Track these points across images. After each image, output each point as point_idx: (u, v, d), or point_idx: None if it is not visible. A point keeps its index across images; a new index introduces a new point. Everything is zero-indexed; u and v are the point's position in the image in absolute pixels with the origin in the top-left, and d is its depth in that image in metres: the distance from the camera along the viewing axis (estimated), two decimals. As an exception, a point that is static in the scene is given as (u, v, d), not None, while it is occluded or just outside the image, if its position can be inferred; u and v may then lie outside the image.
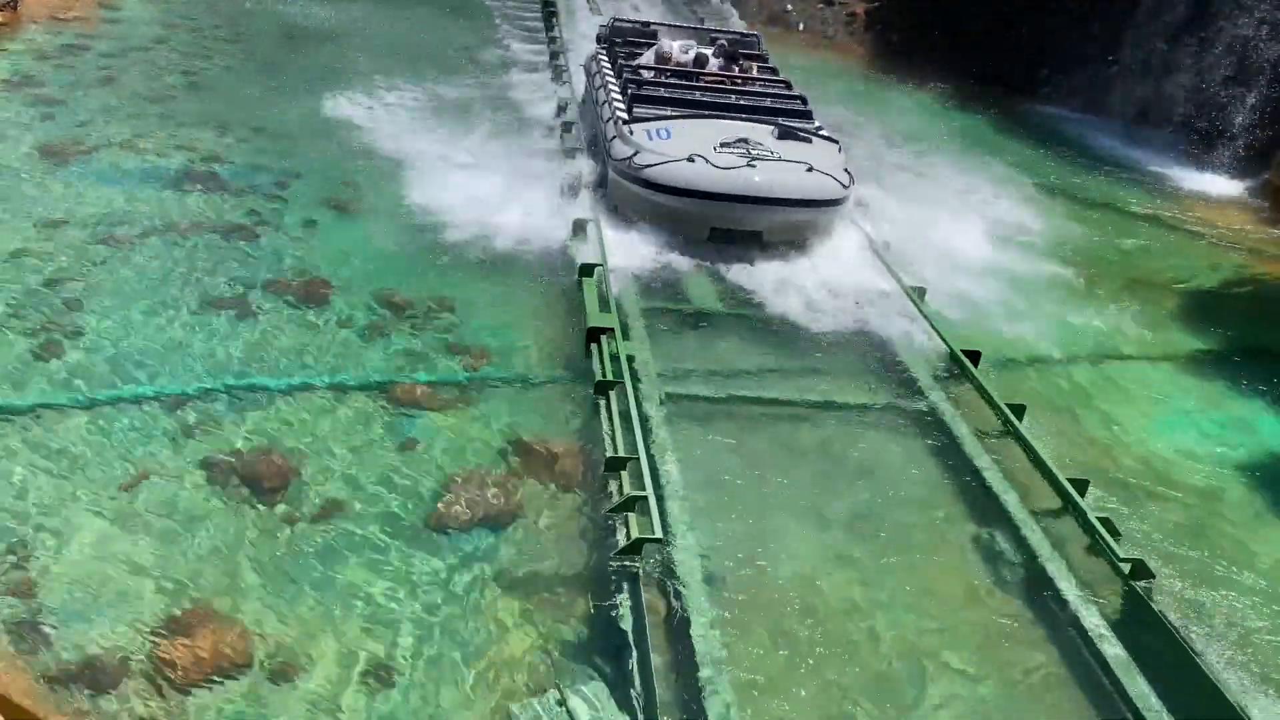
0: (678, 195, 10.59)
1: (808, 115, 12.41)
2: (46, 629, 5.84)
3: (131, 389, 8.11)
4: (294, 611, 6.16)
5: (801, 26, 24.84)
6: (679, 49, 13.88)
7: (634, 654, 5.85)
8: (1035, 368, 10.22)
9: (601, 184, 11.79)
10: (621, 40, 14.85)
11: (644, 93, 12.14)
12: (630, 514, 6.70)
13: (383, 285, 10.14)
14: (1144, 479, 8.47)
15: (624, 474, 7.10)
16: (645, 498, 6.70)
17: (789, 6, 25.38)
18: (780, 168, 10.68)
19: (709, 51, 13.78)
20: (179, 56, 17.27)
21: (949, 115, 19.78)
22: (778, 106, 12.45)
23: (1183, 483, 8.54)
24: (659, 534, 6.47)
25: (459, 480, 7.40)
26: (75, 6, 18.99)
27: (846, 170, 11.17)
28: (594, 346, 8.79)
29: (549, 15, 21.91)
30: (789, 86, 13.34)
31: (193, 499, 6.99)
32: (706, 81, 13.03)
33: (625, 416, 7.69)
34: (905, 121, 18.76)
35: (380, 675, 5.79)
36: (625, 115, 11.72)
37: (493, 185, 12.21)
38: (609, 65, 13.83)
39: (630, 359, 8.65)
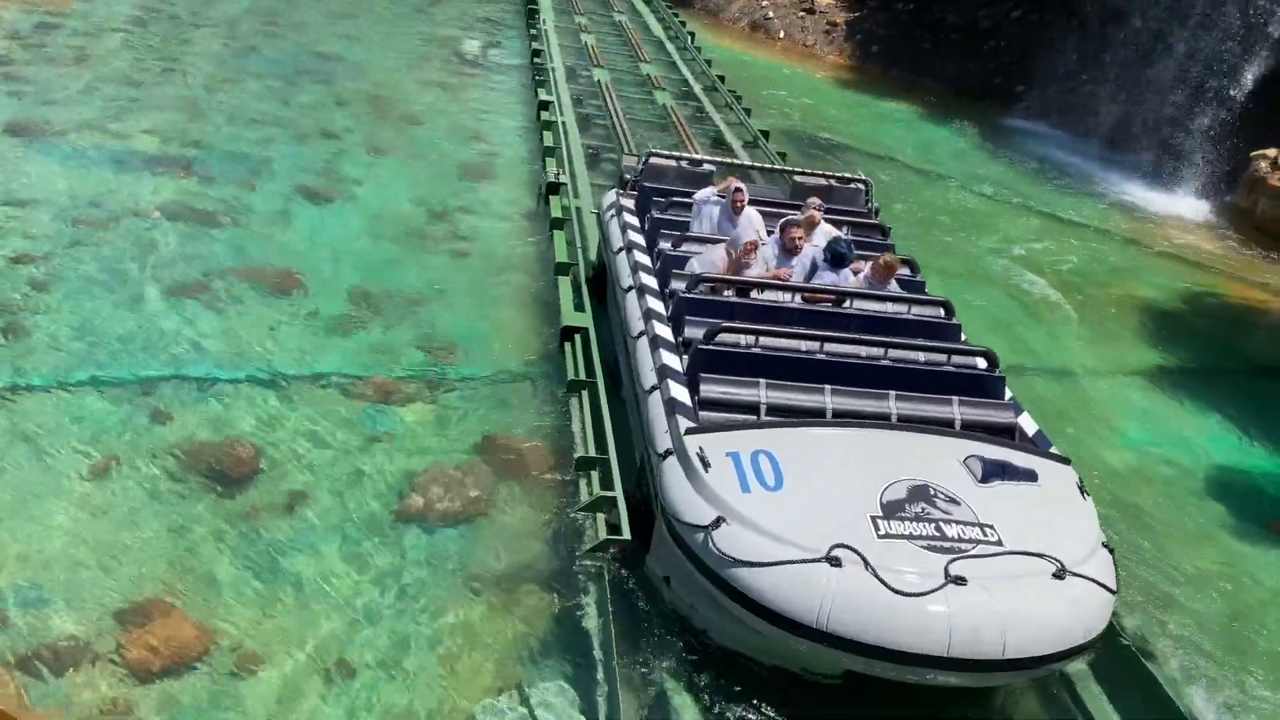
0: (811, 639, 5.20)
1: (997, 383, 6.94)
2: (2, 613, 5.75)
3: (97, 374, 8.01)
4: (255, 603, 6.09)
5: (782, 34, 24.98)
6: (759, 227, 8.26)
7: (599, 654, 5.85)
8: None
9: (640, 523, 6.51)
10: (663, 198, 9.08)
11: (716, 347, 6.61)
12: (599, 514, 6.71)
13: (355, 276, 10.08)
14: (1102, 492, 8.59)
15: (594, 474, 7.11)
16: (614, 498, 6.71)
17: (770, 14, 25.52)
18: (1008, 578, 5.26)
19: (810, 240, 8.04)
20: (155, 39, 17.08)
21: (924, 127, 19.97)
22: (949, 372, 6.89)
23: (1140, 495, 8.68)
24: (627, 535, 6.48)
25: (426, 475, 7.37)
26: (49, -16, 18.73)
27: (1106, 546, 5.89)
28: (568, 345, 8.78)
29: (531, 13, 21.88)
30: (950, 312, 7.59)
31: (157, 487, 6.91)
32: (815, 300, 7.41)
33: (596, 416, 7.69)
34: (880, 132, 18.94)
35: (341, 670, 5.73)
36: (689, 408, 6.33)
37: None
38: (645, 251, 8.34)
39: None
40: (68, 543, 6.32)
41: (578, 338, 8.74)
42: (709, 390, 6.43)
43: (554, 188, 11.88)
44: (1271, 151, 16.09)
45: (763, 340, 6.75)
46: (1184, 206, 17.27)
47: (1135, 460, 9.24)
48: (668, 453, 6.10)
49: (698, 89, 18.07)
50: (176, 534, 6.53)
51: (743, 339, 6.76)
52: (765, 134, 15.72)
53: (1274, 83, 17.62)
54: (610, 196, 9.77)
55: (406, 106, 15.57)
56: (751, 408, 6.44)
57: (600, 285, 9.54)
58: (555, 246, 10.54)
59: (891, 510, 5.52)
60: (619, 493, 6.75)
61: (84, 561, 6.19)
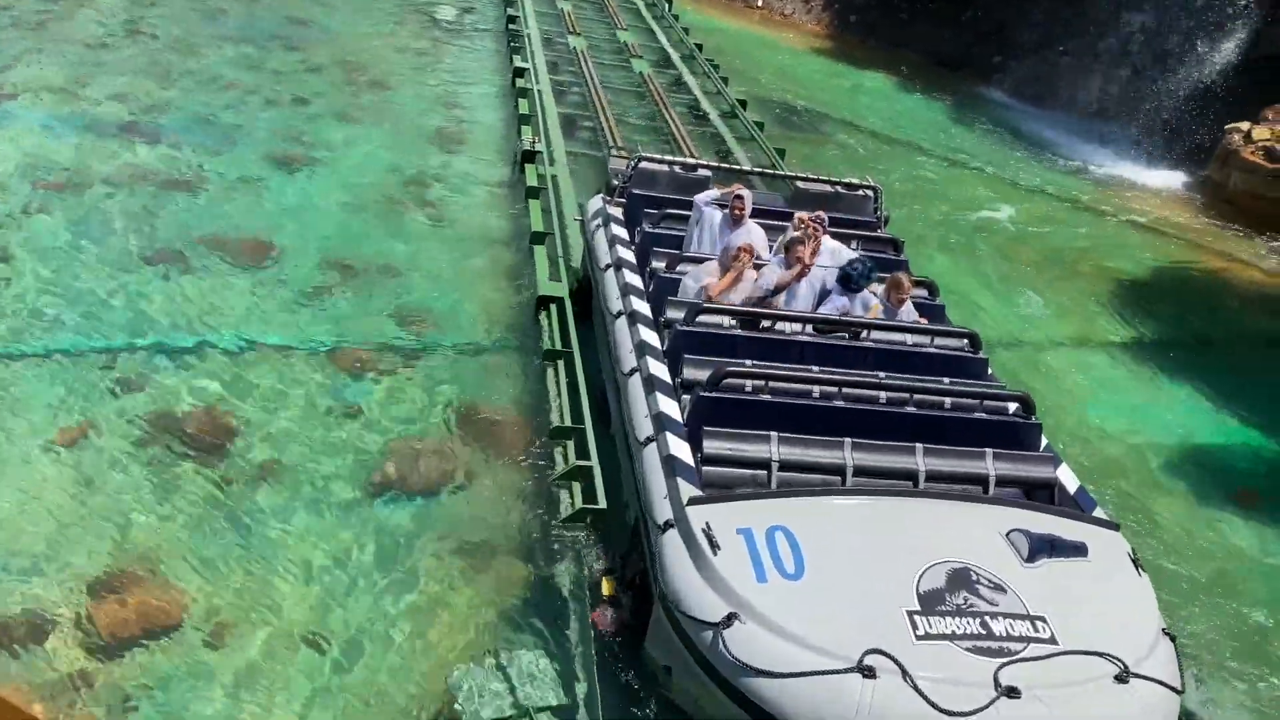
0: None
1: (1033, 430, 6.11)
2: (-31, 586, 5.68)
3: (63, 342, 7.89)
4: (229, 573, 6.05)
5: (761, 3, 24.79)
6: (761, 245, 7.48)
7: (574, 621, 5.87)
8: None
9: (636, 596, 5.82)
10: (655, 208, 8.27)
11: (721, 394, 5.81)
12: (575, 483, 6.70)
13: (328, 245, 9.96)
14: (1079, 461, 8.69)
15: (569, 443, 7.10)
16: (590, 468, 6.71)
17: (749, -19, 25.31)
18: (1065, 685, 4.52)
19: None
20: (121, 1, 16.69)
21: (900, 97, 19.94)
22: (981, 420, 6.12)
23: (1115, 464, 8.78)
24: (603, 504, 6.48)
25: (400, 445, 7.33)
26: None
27: (1167, 634, 5.09)
28: (543, 315, 8.73)
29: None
30: (976, 345, 6.81)
31: (128, 456, 6.83)
32: (829, 334, 6.66)
33: (573, 386, 7.66)
34: (856, 102, 18.88)
35: (317, 638, 5.72)
36: (690, 469, 5.50)
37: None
38: (635, 271, 7.49)
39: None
40: (36, 512, 6.24)
41: (553, 307, 8.69)
42: (713, 446, 5.61)
43: (529, 156, 11.77)
44: (1245, 125, 16.17)
45: (773, 383, 5.90)
46: (1159, 179, 17.37)
47: (1105, 429, 9.33)
48: (668, 524, 5.25)
49: (675, 57, 17.91)
50: (147, 503, 6.46)
51: (749, 383, 5.91)
52: (743, 103, 15.63)
53: (1249, 56, 17.70)
54: (596, 203, 8.79)
55: (380, 72, 15.35)
56: (762, 465, 5.62)
57: (585, 299, 8.69)
58: (531, 215, 10.45)
59: (931, 603, 4.71)
60: (595, 462, 6.75)
61: (54, 529, 6.12)
